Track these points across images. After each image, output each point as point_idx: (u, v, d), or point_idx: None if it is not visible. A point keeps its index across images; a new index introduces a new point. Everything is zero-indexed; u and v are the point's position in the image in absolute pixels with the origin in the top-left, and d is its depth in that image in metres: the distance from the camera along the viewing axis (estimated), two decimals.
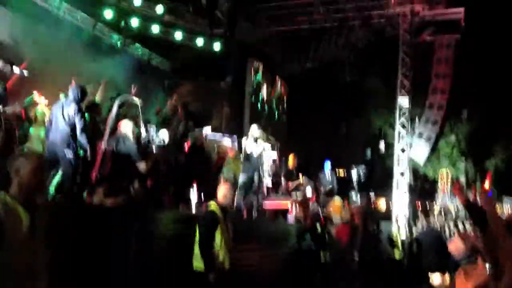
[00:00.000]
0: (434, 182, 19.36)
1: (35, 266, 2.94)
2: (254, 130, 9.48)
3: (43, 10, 11.80)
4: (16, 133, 5.77)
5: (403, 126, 14.10)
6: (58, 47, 11.75)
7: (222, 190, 5.61)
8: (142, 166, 6.83)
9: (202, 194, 8.19)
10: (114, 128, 6.84)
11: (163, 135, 8.10)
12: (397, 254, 8.48)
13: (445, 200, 16.83)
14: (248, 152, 9.19)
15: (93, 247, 4.71)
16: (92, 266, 4.33)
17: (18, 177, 2.94)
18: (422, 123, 14.30)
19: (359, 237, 6.76)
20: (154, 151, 8.01)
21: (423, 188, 17.83)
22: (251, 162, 9.20)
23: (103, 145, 6.60)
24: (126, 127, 6.93)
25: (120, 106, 7.28)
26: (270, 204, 10.68)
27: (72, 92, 6.45)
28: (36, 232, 2.95)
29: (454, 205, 16.21)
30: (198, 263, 5.18)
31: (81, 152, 6.28)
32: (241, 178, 9.19)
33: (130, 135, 6.92)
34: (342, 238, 7.21)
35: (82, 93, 6.51)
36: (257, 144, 9.36)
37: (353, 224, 7.09)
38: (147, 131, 8.44)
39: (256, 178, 9.32)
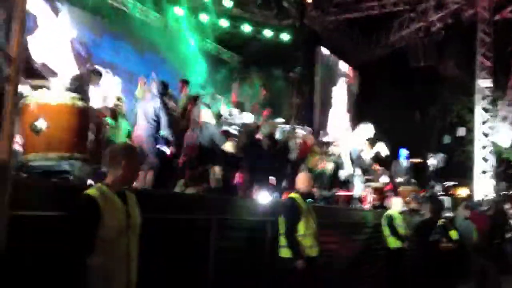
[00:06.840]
0: None
1: (131, 252, 3.04)
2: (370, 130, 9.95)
3: (118, 11, 12.24)
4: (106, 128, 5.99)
5: (485, 110, 13.35)
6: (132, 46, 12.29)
7: (301, 177, 5.61)
8: (227, 146, 6.99)
9: (281, 185, 8.19)
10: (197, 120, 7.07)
11: (247, 118, 8.20)
12: None
13: None
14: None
15: (178, 236, 4.82)
16: (176, 255, 4.44)
17: (118, 168, 3.05)
18: (506, 105, 13.52)
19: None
20: (237, 133, 8.12)
21: (507, 174, 16.80)
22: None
23: (188, 132, 6.85)
24: (206, 115, 7.14)
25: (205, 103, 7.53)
26: (343, 192, 10.54)
27: (154, 86, 6.66)
28: (130, 220, 3.06)
29: None
30: (285, 252, 5.18)
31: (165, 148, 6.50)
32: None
33: (211, 121, 7.14)
34: (482, 227, 7.41)
35: (164, 87, 6.75)
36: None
37: (490, 214, 7.72)
38: (230, 114, 8.65)
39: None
